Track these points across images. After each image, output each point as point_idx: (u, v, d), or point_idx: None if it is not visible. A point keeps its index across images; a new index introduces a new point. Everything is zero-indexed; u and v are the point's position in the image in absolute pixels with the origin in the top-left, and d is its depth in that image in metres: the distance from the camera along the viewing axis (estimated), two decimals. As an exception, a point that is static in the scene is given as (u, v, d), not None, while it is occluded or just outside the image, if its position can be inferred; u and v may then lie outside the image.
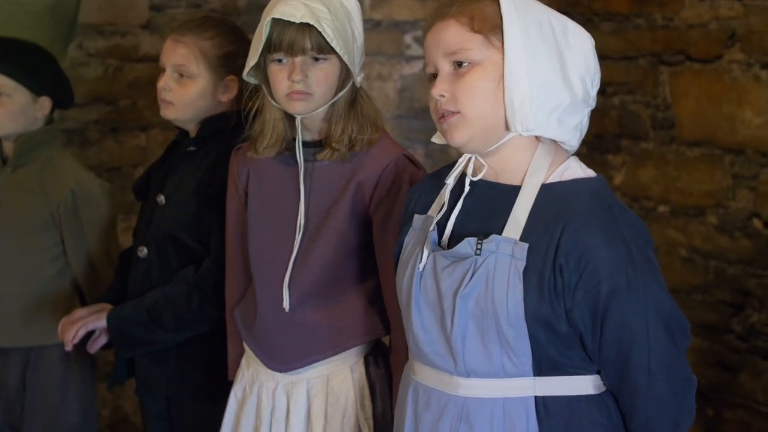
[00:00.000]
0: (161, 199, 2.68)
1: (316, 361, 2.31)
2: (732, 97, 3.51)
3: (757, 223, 3.47)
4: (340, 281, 2.30)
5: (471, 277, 1.80)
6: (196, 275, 2.58)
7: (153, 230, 2.68)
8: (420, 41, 4.37)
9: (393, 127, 4.32)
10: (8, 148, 3.06)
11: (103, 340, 2.70)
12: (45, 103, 3.05)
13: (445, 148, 4.33)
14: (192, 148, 2.67)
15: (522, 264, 1.78)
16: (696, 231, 3.68)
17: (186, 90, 2.62)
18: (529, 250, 1.78)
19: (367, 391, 2.32)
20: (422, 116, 4.37)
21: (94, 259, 3.04)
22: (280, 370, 2.33)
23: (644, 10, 3.81)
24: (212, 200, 2.54)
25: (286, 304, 2.29)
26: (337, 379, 2.31)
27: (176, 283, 2.60)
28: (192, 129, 2.68)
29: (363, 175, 2.26)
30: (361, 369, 2.32)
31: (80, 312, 2.74)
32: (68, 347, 2.70)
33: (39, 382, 3.02)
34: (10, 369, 3.04)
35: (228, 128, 2.59)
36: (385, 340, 2.37)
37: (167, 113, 2.65)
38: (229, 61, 2.61)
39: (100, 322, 2.67)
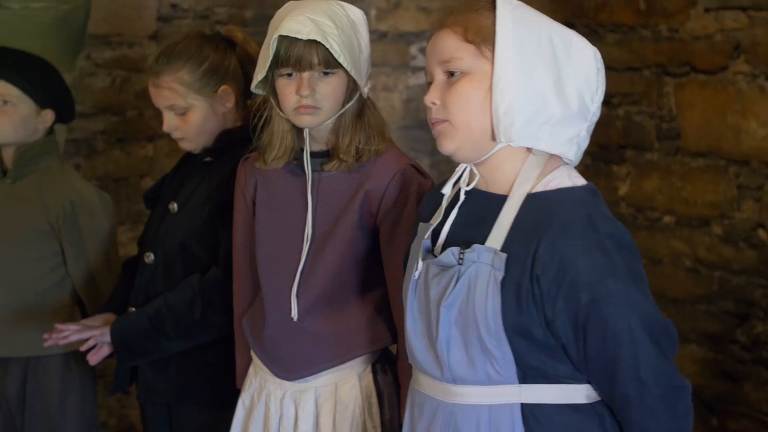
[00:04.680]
0: (174, 207, 2.69)
1: (324, 369, 2.31)
2: (737, 108, 3.52)
3: (761, 233, 3.48)
4: (348, 290, 2.30)
5: (454, 287, 1.81)
6: (202, 282, 2.58)
7: (162, 237, 2.69)
8: (425, 52, 4.39)
9: (398, 137, 4.33)
10: (7, 159, 3.07)
11: (105, 351, 2.69)
12: (48, 115, 3.07)
13: (450, 158, 4.34)
14: (208, 159, 2.68)
15: (500, 274, 1.78)
16: (701, 241, 3.69)
17: (189, 123, 2.63)
18: (509, 260, 1.78)
19: (375, 399, 2.32)
20: (428, 127, 4.34)
21: (93, 269, 3.05)
22: (288, 379, 2.34)
23: (649, 21, 3.83)
24: (225, 208, 2.55)
25: (294, 314, 2.29)
26: (345, 387, 2.32)
27: (180, 290, 2.61)
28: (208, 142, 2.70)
29: (370, 185, 2.26)
30: (369, 377, 2.33)
31: (84, 322, 2.74)
32: (63, 341, 2.67)
33: (39, 391, 3.03)
34: (9, 379, 3.04)
35: (247, 141, 2.59)
36: (393, 348, 2.38)
37: (185, 147, 2.69)
38: (210, 76, 2.62)
39: (105, 337, 2.66)
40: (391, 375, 2.35)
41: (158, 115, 2.70)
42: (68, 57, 3.63)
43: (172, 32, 4.09)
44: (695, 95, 3.68)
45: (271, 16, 2.30)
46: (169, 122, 2.64)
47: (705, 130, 3.65)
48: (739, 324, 3.57)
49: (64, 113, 3.14)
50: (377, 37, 4.27)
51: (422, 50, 4.40)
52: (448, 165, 4.34)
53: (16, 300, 3.01)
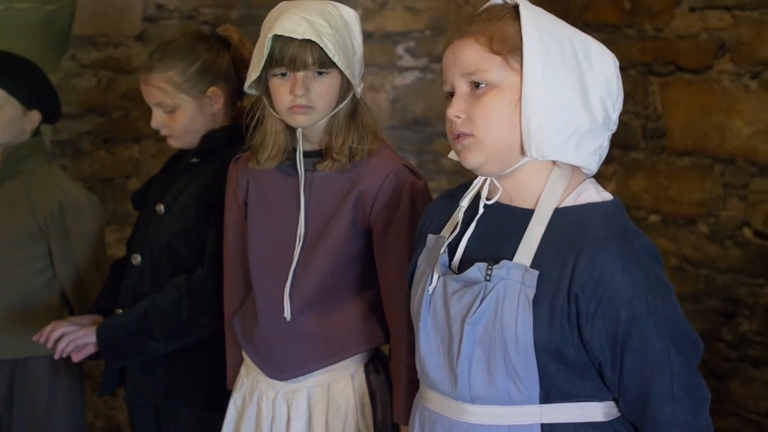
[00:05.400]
0: (160, 208, 2.69)
1: (317, 369, 2.32)
2: (722, 107, 3.54)
3: (747, 232, 3.49)
4: (341, 290, 2.31)
5: (480, 304, 1.76)
6: (188, 283, 2.58)
7: (149, 238, 2.68)
8: (412, 52, 4.39)
9: (385, 138, 4.34)
10: None
11: (90, 349, 2.68)
12: (34, 116, 3.06)
13: (437, 159, 4.35)
14: (195, 160, 2.68)
15: (532, 292, 1.74)
16: (687, 240, 3.70)
17: (176, 121, 2.65)
18: (540, 278, 1.74)
19: (367, 399, 2.32)
20: (414, 127, 4.39)
21: (81, 270, 3.04)
22: (280, 379, 2.34)
23: (635, 20, 3.84)
24: (211, 209, 2.56)
25: (287, 313, 2.29)
26: (338, 387, 2.32)
27: (167, 291, 2.60)
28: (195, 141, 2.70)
29: (363, 185, 2.26)
30: (361, 377, 2.33)
31: (73, 319, 2.74)
32: (48, 343, 2.69)
33: (27, 393, 3.02)
34: (-3, 380, 3.04)
35: (233, 141, 2.59)
36: (385, 349, 2.39)
37: (173, 144, 2.71)
38: (200, 77, 2.63)
39: (89, 338, 2.66)
40: (384, 375, 2.34)
41: (144, 116, 2.72)
42: (53, 57, 3.63)
43: (158, 33, 4.09)
44: (680, 94, 3.69)
45: (257, 17, 2.30)
46: (158, 119, 2.67)
47: (690, 129, 3.66)
48: (726, 322, 3.58)
49: (51, 114, 3.14)
50: (364, 37, 4.27)
51: (409, 50, 4.40)
52: (435, 165, 4.35)
53: (3, 302, 3.00)
